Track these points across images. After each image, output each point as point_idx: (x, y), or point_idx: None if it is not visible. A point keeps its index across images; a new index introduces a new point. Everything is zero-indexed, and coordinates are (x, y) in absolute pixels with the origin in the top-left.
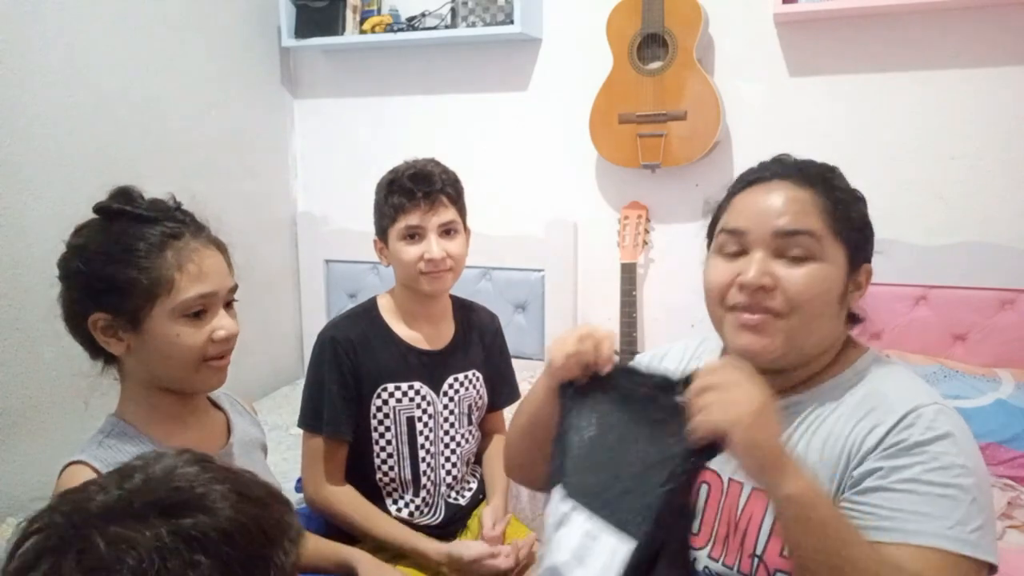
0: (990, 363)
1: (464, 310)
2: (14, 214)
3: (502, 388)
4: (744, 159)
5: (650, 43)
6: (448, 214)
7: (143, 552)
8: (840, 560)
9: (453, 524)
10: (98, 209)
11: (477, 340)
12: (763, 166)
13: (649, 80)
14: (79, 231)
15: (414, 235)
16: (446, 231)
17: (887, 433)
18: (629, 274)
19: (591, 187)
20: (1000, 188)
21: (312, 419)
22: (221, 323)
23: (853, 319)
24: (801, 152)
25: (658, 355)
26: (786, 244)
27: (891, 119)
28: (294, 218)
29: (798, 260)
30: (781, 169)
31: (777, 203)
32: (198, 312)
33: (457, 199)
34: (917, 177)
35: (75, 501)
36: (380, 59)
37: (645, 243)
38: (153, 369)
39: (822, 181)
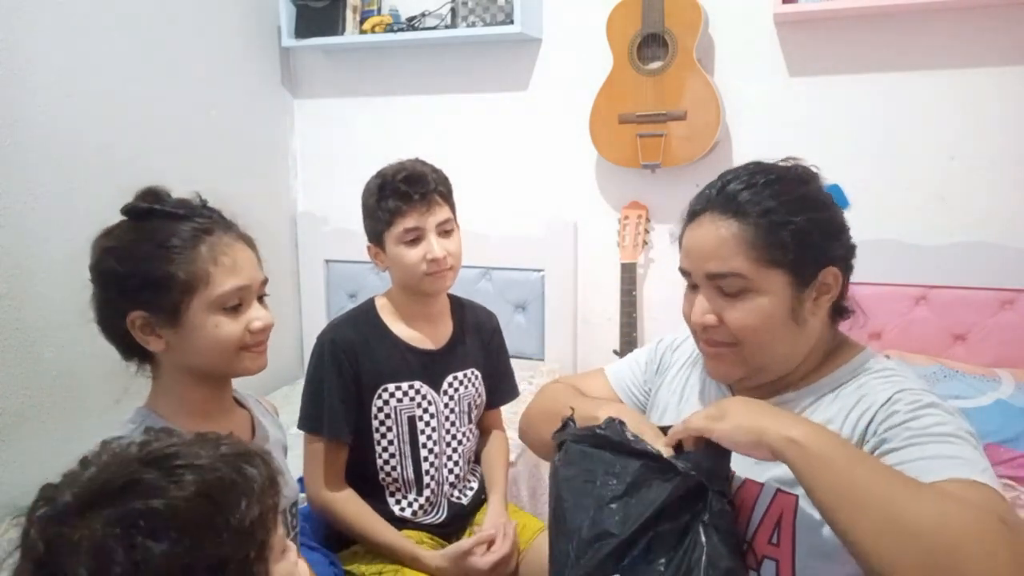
0: (990, 363)
1: (462, 308)
2: (14, 214)
3: (501, 386)
4: (744, 159)
5: (650, 43)
6: (444, 212)
7: (85, 549)
8: (860, 488)
9: (456, 523)
10: (128, 210)
11: (476, 338)
12: (700, 196)
13: (649, 80)
14: (108, 233)
15: (413, 238)
16: (443, 230)
17: (874, 415)
18: (629, 274)
19: (591, 187)
20: (1000, 188)
21: (313, 421)
22: (257, 314)
23: (841, 313)
24: (801, 152)
25: (639, 360)
26: (720, 283)
27: (891, 119)
28: (294, 218)
29: (735, 295)
30: (714, 198)
31: (706, 245)
32: (235, 306)
33: (449, 196)
34: (917, 177)
35: (46, 499)
36: (380, 59)
37: (645, 243)
38: (193, 361)
39: (753, 205)
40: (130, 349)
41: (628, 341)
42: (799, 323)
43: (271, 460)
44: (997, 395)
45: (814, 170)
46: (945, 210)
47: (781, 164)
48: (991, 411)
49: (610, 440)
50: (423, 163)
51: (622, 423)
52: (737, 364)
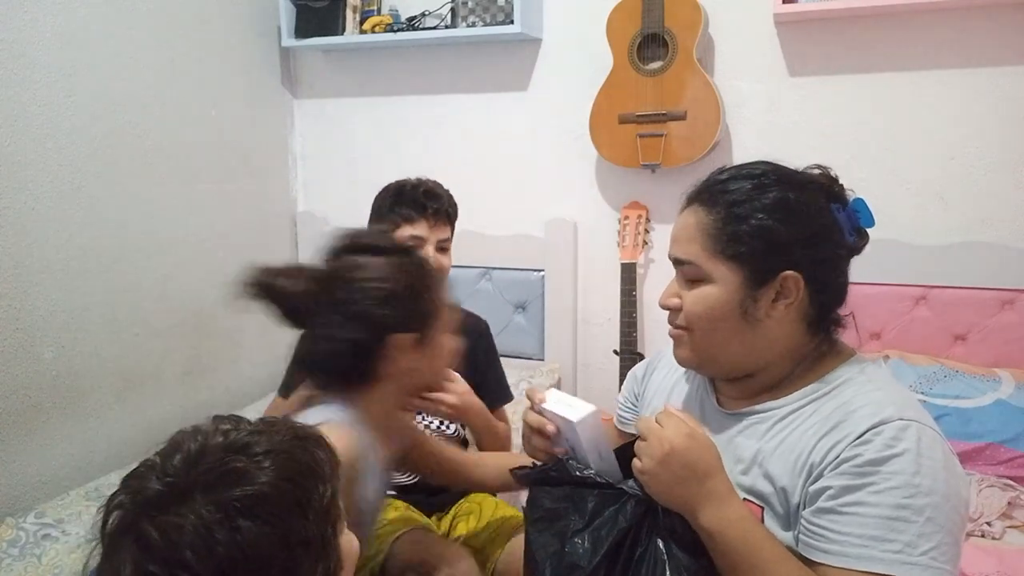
0: (990, 363)
1: None
2: (14, 214)
3: (490, 388)
4: (744, 159)
5: (650, 43)
6: (446, 232)
7: (191, 533)
8: None
9: (427, 492)
10: (373, 248)
11: None
12: (693, 186)
13: (649, 80)
14: (373, 267)
15: (415, 245)
16: (442, 247)
17: (844, 448)
18: (629, 274)
19: (591, 187)
20: (1000, 188)
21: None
22: None
23: (823, 324)
24: (801, 152)
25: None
26: (682, 270)
27: (891, 119)
28: (294, 218)
29: (693, 282)
30: (699, 187)
31: (678, 232)
32: None
33: (453, 219)
34: (917, 177)
35: (133, 489)
36: (380, 59)
37: (645, 243)
38: (417, 380)
39: (723, 196)
40: (349, 368)
41: (628, 341)
42: (750, 321)
43: (328, 440)
44: (997, 395)
45: (818, 178)
46: (945, 210)
47: (783, 166)
48: (991, 411)
49: (562, 478)
50: (440, 185)
51: (570, 460)
52: (689, 349)
